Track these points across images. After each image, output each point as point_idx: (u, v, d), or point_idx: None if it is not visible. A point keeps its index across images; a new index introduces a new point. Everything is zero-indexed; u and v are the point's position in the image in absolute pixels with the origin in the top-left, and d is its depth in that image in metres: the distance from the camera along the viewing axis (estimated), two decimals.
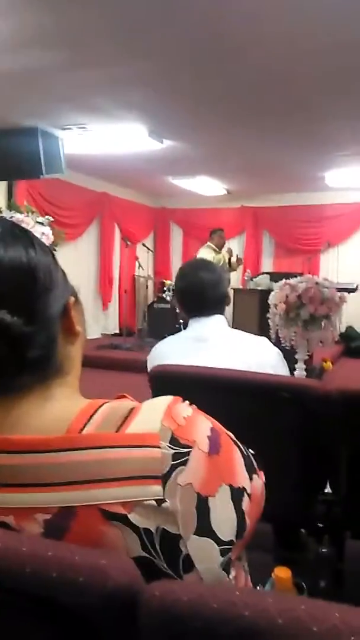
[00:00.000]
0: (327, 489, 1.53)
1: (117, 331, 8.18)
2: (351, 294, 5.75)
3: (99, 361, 5.68)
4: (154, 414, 0.61)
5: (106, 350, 6.55)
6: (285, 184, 7.64)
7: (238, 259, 6.90)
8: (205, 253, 6.63)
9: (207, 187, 7.83)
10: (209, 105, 4.42)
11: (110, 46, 3.34)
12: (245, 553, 0.75)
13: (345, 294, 4.98)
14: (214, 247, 6.71)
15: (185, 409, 0.63)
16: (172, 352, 1.81)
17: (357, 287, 6.41)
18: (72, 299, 0.68)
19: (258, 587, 0.84)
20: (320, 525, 1.54)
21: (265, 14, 2.85)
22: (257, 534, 1.75)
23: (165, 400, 0.63)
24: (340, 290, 4.87)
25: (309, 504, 1.52)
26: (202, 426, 0.62)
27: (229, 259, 6.81)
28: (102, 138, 5.32)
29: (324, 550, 1.64)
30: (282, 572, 0.82)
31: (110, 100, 4.36)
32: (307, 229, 7.89)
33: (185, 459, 0.57)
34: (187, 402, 0.65)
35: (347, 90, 3.89)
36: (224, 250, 6.86)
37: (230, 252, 6.89)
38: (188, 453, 0.58)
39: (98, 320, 8.12)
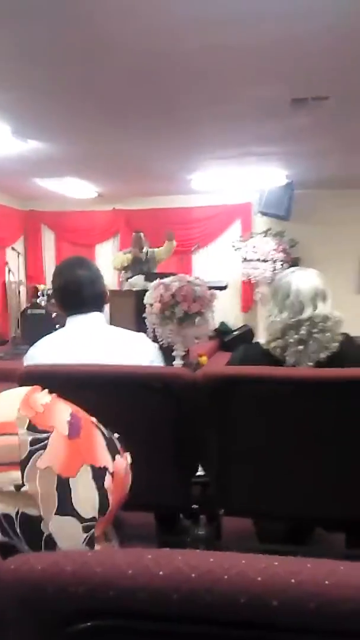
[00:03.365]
0: (199, 472, 1.61)
1: None
2: (222, 291, 6.10)
3: None
4: (10, 403, 0.62)
5: None
6: (155, 187, 7.80)
7: (168, 235, 6.65)
8: (119, 255, 6.67)
9: (77, 189, 7.73)
10: (71, 105, 4.37)
11: None
12: (116, 535, 0.78)
13: (216, 291, 5.25)
14: (135, 250, 6.67)
15: (44, 396, 0.65)
16: (47, 351, 1.78)
17: (226, 285, 6.77)
18: None
19: None
20: (196, 506, 1.62)
21: (129, 12, 2.86)
22: (141, 525, 1.78)
23: (21, 390, 0.64)
24: (211, 288, 5.12)
25: (184, 488, 1.59)
26: (61, 411, 0.64)
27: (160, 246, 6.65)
28: None
29: (200, 532, 1.73)
30: None
31: None
32: (178, 231, 8.14)
33: (44, 443, 0.59)
34: (46, 390, 0.67)
35: (208, 93, 4.07)
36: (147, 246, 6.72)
37: (169, 236, 6.68)
38: (47, 438, 0.60)
39: None
